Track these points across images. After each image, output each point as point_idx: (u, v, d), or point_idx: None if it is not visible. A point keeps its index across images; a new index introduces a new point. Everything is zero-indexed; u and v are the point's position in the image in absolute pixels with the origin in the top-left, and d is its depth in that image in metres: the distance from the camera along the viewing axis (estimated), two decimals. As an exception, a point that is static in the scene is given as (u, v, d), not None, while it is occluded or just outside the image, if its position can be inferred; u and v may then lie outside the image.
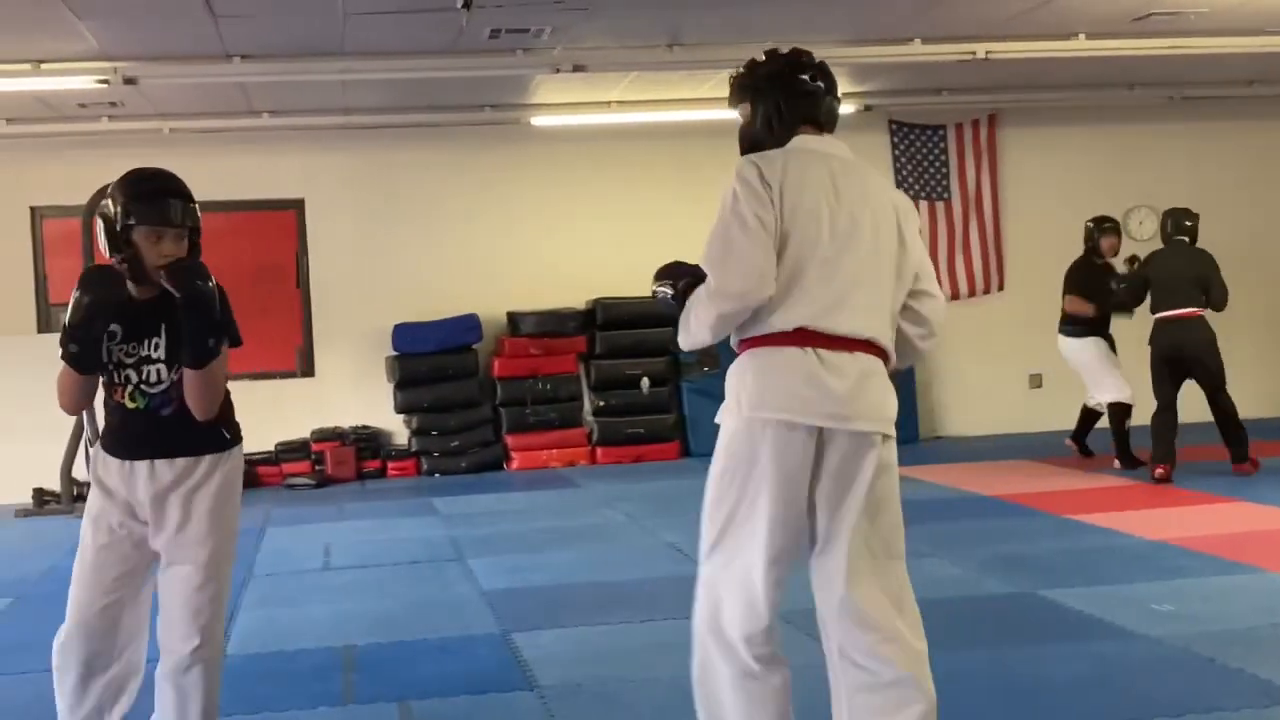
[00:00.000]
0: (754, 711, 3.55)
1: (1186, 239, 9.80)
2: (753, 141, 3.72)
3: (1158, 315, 9.60)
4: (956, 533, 7.99)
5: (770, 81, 3.70)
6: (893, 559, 3.57)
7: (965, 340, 13.55)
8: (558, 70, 10.57)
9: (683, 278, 3.62)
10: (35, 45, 9.41)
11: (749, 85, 3.74)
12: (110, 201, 3.82)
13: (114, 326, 3.88)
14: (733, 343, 3.61)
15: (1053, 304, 10.80)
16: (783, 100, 3.67)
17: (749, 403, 3.47)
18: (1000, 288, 13.76)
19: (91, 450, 4.14)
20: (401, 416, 12.60)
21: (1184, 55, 11.03)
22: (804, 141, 3.66)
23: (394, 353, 12.46)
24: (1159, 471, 9.34)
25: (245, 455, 4.14)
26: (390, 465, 12.46)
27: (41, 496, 11.08)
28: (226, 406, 4.04)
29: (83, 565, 4.05)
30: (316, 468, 12.13)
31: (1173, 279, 9.56)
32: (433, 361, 12.37)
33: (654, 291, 3.76)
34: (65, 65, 9.89)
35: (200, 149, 12.17)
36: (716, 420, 3.60)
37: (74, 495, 10.92)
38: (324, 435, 12.35)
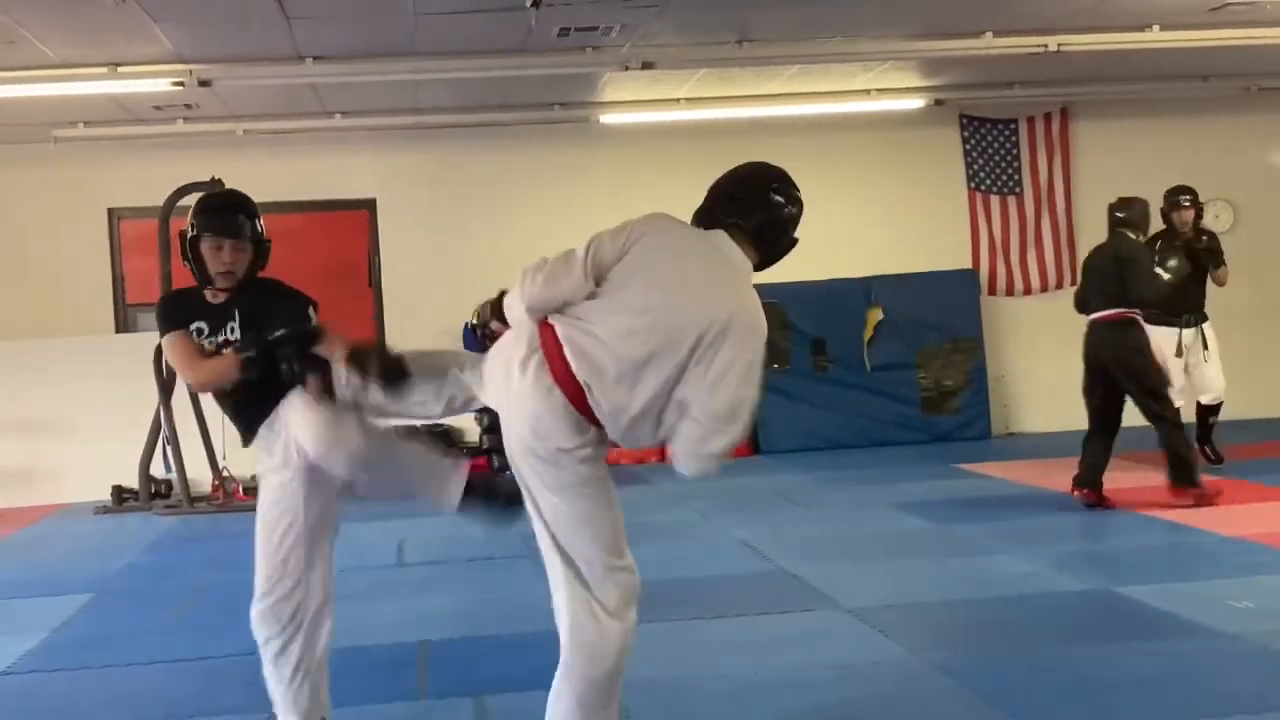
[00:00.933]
0: None
1: (1127, 231, 8.74)
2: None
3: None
4: (1030, 529, 7.93)
5: (726, 187, 4.08)
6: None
7: (1037, 335, 13.44)
8: (626, 68, 10.60)
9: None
10: (112, 48, 9.56)
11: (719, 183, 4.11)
12: (188, 217, 4.41)
13: (199, 324, 4.38)
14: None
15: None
16: (721, 203, 3.97)
17: None
18: (1073, 282, 13.58)
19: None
20: (473, 414, 12.65)
21: (1260, 46, 10.87)
22: (712, 234, 3.87)
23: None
24: (1076, 495, 8.66)
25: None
26: (461, 463, 12.51)
27: (120, 494, 11.23)
28: None
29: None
30: (389, 465, 12.21)
31: (1094, 278, 8.79)
32: (502, 359, 12.41)
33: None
34: (141, 68, 10.05)
35: (273, 150, 12.32)
36: None
37: (151, 493, 11.08)
38: (396, 433, 12.43)
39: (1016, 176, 13.58)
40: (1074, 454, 11.33)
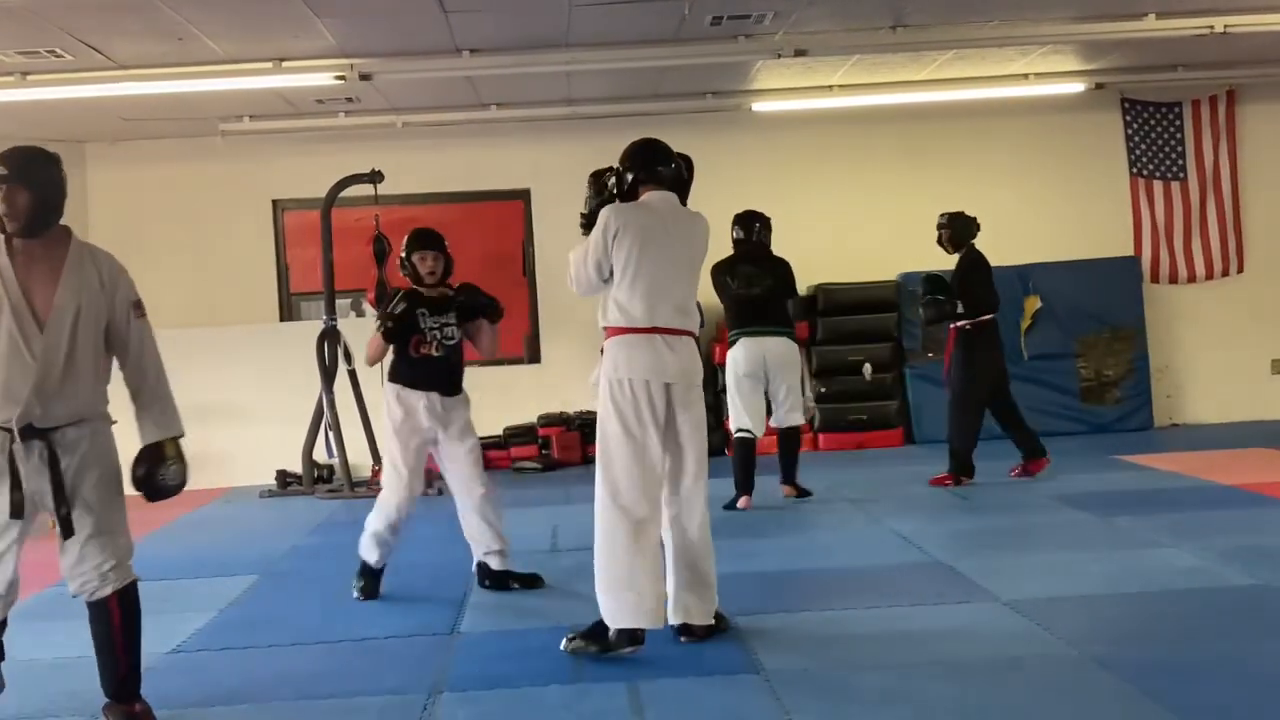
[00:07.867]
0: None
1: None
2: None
3: None
4: (1195, 522, 7.73)
5: (631, 159, 6.26)
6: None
7: (1202, 324, 13.12)
8: (779, 55, 10.56)
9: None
10: (276, 44, 9.81)
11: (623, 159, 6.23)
12: (402, 250, 6.84)
13: (422, 309, 6.71)
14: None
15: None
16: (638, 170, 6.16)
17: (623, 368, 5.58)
18: (1239, 270, 13.25)
19: (388, 388, 6.74)
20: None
21: None
22: (648, 197, 6.05)
23: (618, 339, 12.59)
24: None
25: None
26: (614, 450, 12.59)
27: (284, 478, 11.54)
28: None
29: (398, 470, 6.62)
30: (543, 451, 12.38)
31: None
32: (656, 348, 12.46)
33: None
34: (305, 63, 10.29)
35: (431, 141, 12.53)
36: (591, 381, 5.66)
37: (314, 477, 11.36)
38: (550, 420, 12.59)
39: (1180, 162, 13.24)
40: (1239, 445, 11.07)
